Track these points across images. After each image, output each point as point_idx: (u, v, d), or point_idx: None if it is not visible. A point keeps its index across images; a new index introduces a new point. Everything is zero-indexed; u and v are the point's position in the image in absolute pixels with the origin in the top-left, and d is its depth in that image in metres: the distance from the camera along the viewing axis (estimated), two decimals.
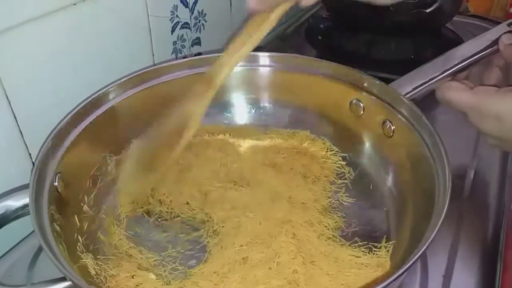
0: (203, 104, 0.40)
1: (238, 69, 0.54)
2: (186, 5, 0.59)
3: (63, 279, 0.32)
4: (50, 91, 0.44)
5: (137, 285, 0.38)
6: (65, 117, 0.43)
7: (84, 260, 0.39)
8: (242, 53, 0.39)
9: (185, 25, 0.61)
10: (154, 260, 0.42)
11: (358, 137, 0.52)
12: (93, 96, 0.46)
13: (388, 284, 0.30)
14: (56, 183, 0.39)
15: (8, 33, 0.39)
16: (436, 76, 0.46)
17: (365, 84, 0.50)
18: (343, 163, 0.52)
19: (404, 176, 0.46)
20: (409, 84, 0.47)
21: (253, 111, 0.57)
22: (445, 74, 0.46)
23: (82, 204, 0.44)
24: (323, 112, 0.55)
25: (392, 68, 0.64)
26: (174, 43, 0.60)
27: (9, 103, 0.41)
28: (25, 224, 0.37)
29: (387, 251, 0.41)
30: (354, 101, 0.51)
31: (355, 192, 0.49)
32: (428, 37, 0.75)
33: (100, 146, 0.48)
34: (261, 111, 0.57)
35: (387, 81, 0.49)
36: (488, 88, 0.41)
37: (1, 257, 0.44)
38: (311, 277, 0.38)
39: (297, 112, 0.56)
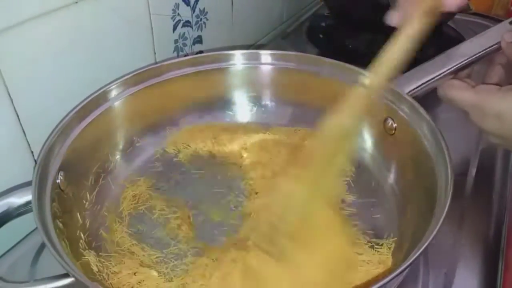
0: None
1: (239, 67, 0.55)
2: (187, 3, 0.59)
3: (65, 275, 0.32)
4: (52, 89, 0.45)
5: (139, 282, 0.38)
6: (67, 114, 0.43)
7: (86, 257, 0.39)
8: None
9: (187, 24, 0.61)
10: (156, 257, 0.42)
11: (360, 135, 0.52)
12: (95, 94, 0.46)
13: (390, 280, 0.30)
14: (58, 180, 0.40)
15: (10, 31, 0.39)
16: (438, 74, 0.46)
17: (367, 82, 0.50)
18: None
19: (406, 174, 0.46)
20: (411, 82, 0.47)
21: (255, 109, 0.57)
22: (446, 72, 0.46)
23: (84, 201, 0.44)
24: (325, 110, 0.55)
25: None
26: (176, 41, 0.60)
27: (12, 102, 0.41)
28: (27, 222, 0.37)
29: (389, 248, 0.41)
30: None
31: (356, 189, 0.49)
32: (429, 35, 0.75)
33: (102, 144, 0.48)
34: (263, 109, 0.57)
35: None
36: (489, 87, 0.41)
37: (4, 254, 0.44)
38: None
39: (299, 110, 0.56)
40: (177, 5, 0.58)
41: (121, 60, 0.52)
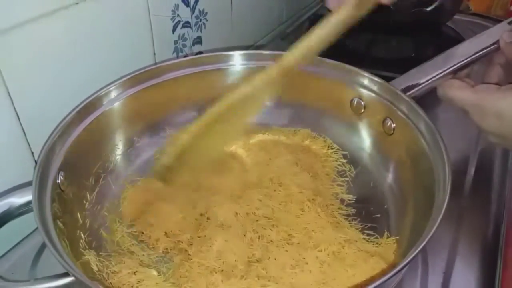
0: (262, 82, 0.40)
1: (238, 68, 0.55)
2: (187, 4, 0.60)
3: (65, 274, 0.32)
4: (53, 90, 0.45)
5: (139, 281, 0.39)
6: (67, 115, 0.43)
7: (86, 256, 0.39)
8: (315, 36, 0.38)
9: (186, 24, 0.61)
10: (156, 257, 0.42)
11: (359, 135, 0.53)
12: (95, 95, 0.46)
13: (389, 278, 0.30)
14: (59, 181, 0.40)
15: (10, 32, 0.39)
16: (437, 75, 0.46)
17: (366, 83, 0.50)
18: (344, 160, 0.52)
19: (405, 173, 0.46)
20: (410, 82, 0.47)
21: None
22: (446, 72, 0.46)
23: (84, 201, 0.44)
24: (324, 111, 0.55)
25: (393, 66, 0.64)
26: (176, 42, 0.60)
27: (12, 102, 0.41)
28: (28, 222, 0.37)
29: (389, 247, 0.41)
30: (355, 99, 0.51)
31: (355, 189, 0.49)
32: (428, 36, 0.76)
33: (103, 144, 0.48)
34: (263, 109, 0.57)
35: (388, 79, 0.49)
36: (488, 86, 0.42)
37: (4, 254, 0.44)
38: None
39: (298, 110, 0.56)
40: (176, 6, 0.58)
41: (121, 61, 0.52)
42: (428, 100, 0.47)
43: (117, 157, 0.50)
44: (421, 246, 0.32)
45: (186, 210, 0.45)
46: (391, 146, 0.49)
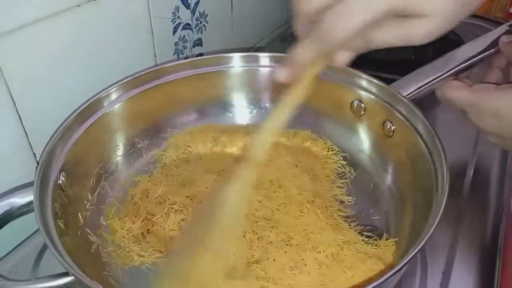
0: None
1: (238, 70, 0.55)
2: (187, 6, 0.60)
3: (66, 274, 0.33)
4: (54, 91, 0.45)
5: None
6: (69, 116, 0.44)
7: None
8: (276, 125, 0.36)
9: (187, 26, 0.61)
10: (156, 257, 0.42)
11: (358, 137, 0.53)
12: (97, 96, 0.47)
13: (388, 278, 0.30)
14: (60, 181, 0.40)
15: (12, 34, 0.39)
16: (437, 77, 0.46)
17: (366, 85, 0.50)
18: (344, 162, 0.52)
19: (404, 175, 0.47)
20: (410, 85, 0.48)
21: (255, 111, 0.58)
22: (446, 75, 0.46)
23: (86, 201, 0.44)
24: (324, 112, 0.55)
25: (393, 68, 0.64)
26: (176, 44, 0.60)
27: (14, 104, 0.41)
28: (29, 223, 0.38)
29: (388, 248, 0.41)
30: (355, 102, 0.52)
31: (355, 191, 0.49)
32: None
33: (104, 145, 0.49)
34: (263, 111, 0.58)
35: (388, 81, 0.49)
36: (487, 86, 0.42)
37: (6, 255, 0.45)
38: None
39: (298, 112, 0.56)
40: (177, 8, 0.58)
41: (122, 63, 0.52)
42: (427, 101, 0.47)
43: (118, 158, 0.50)
44: (419, 246, 0.32)
45: (186, 211, 0.45)
46: (390, 148, 0.49)
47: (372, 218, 0.46)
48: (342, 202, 0.48)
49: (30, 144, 0.44)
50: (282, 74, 0.35)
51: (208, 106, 0.56)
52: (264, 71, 0.55)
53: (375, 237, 0.43)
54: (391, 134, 0.48)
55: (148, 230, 0.44)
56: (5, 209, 0.37)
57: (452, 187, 0.36)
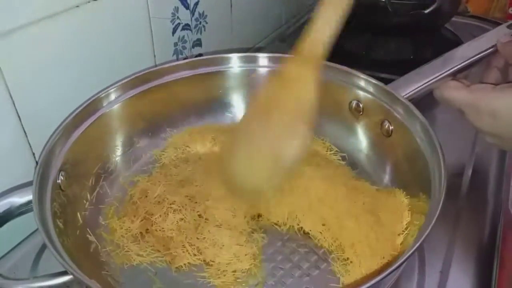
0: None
1: (237, 70, 0.55)
2: (187, 6, 0.60)
3: (64, 273, 0.33)
4: (54, 91, 0.45)
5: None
6: (68, 116, 0.44)
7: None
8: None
9: (186, 27, 0.61)
10: (155, 257, 0.42)
11: (357, 137, 0.53)
12: (96, 96, 0.47)
13: (386, 276, 0.30)
14: (59, 181, 0.40)
15: (12, 34, 0.39)
16: (435, 77, 0.46)
17: (364, 85, 0.50)
18: (343, 162, 0.53)
19: (402, 174, 0.47)
20: (408, 85, 0.48)
21: None
22: (444, 75, 0.46)
23: (85, 201, 0.45)
24: (323, 113, 0.55)
25: (391, 68, 0.64)
26: (175, 44, 0.61)
27: (14, 103, 0.42)
28: (28, 222, 0.38)
29: None
30: (353, 102, 0.52)
31: None
32: (427, 38, 0.76)
33: (103, 145, 0.49)
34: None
35: (387, 81, 0.49)
36: (484, 86, 0.42)
37: (6, 254, 0.45)
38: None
39: None
40: (176, 9, 0.58)
41: (121, 63, 0.52)
42: (425, 102, 0.47)
43: (117, 158, 0.50)
44: (417, 245, 0.32)
45: (185, 211, 0.45)
46: (388, 147, 0.49)
47: None
48: None
49: (29, 143, 0.44)
50: None
51: (207, 106, 0.57)
52: (263, 71, 0.55)
53: None
54: (389, 134, 0.48)
55: (147, 229, 0.44)
56: (4, 209, 0.37)
57: (450, 187, 0.36)
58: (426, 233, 0.32)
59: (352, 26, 0.76)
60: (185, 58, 0.62)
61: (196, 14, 0.62)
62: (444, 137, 0.42)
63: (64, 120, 0.43)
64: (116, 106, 0.49)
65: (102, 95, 0.47)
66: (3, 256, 0.45)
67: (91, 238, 0.42)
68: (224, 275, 0.40)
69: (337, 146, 0.54)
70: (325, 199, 0.44)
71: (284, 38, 0.85)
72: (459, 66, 0.47)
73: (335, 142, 0.54)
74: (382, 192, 0.46)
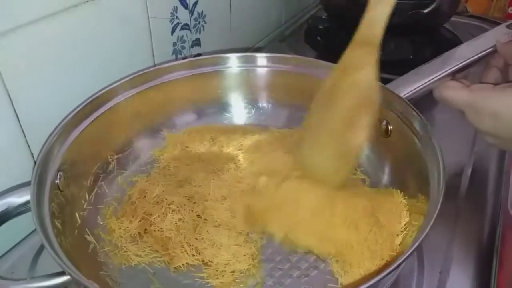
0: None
1: (236, 70, 0.55)
2: (186, 6, 0.60)
3: (62, 273, 0.33)
4: (52, 91, 0.45)
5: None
6: (66, 116, 0.44)
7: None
8: None
9: (185, 26, 0.61)
10: (154, 257, 0.42)
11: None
12: (94, 96, 0.47)
13: (385, 275, 0.30)
14: (57, 181, 0.40)
15: (11, 34, 0.39)
16: (435, 77, 0.46)
17: None
18: None
19: (400, 175, 0.47)
20: (407, 85, 0.48)
21: (253, 111, 0.58)
22: (443, 75, 0.46)
23: (83, 201, 0.44)
24: None
25: (390, 68, 0.64)
26: (174, 44, 0.60)
27: (12, 103, 0.41)
28: (26, 223, 0.38)
29: None
30: None
31: None
32: (426, 38, 0.76)
33: (101, 145, 0.49)
34: (261, 111, 0.58)
35: (386, 81, 0.49)
36: (484, 86, 0.42)
37: (3, 255, 0.45)
38: None
39: (296, 112, 0.56)
40: (175, 8, 0.58)
41: (120, 63, 0.52)
42: (424, 101, 0.47)
43: (116, 158, 0.50)
44: (415, 245, 0.32)
45: (184, 211, 0.45)
46: (387, 147, 0.49)
47: None
48: None
49: (27, 143, 0.44)
50: None
51: (206, 106, 0.57)
52: (262, 71, 0.55)
53: None
54: (388, 134, 0.48)
55: (145, 230, 0.44)
56: (2, 209, 0.37)
57: (450, 187, 0.36)
58: (424, 234, 0.32)
59: (352, 26, 0.77)
60: (184, 58, 0.62)
61: (195, 14, 0.62)
62: (443, 137, 0.42)
63: (63, 120, 0.43)
64: (114, 106, 0.49)
65: (101, 95, 0.47)
66: (1, 257, 0.45)
67: (89, 238, 0.42)
68: (223, 276, 0.40)
69: None
70: (323, 213, 0.43)
71: (284, 38, 0.85)
72: (458, 66, 0.46)
73: None
74: (381, 193, 0.46)
